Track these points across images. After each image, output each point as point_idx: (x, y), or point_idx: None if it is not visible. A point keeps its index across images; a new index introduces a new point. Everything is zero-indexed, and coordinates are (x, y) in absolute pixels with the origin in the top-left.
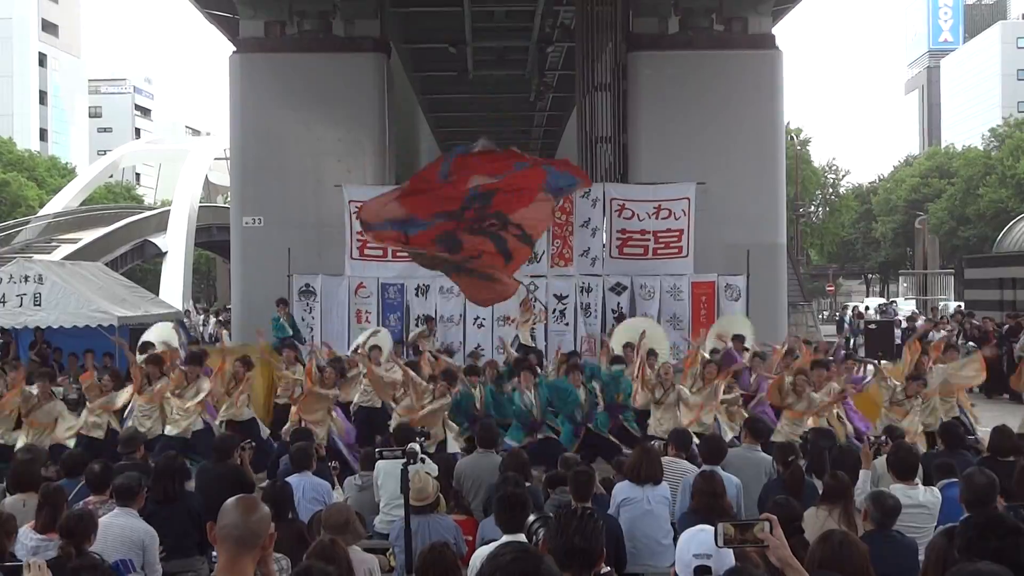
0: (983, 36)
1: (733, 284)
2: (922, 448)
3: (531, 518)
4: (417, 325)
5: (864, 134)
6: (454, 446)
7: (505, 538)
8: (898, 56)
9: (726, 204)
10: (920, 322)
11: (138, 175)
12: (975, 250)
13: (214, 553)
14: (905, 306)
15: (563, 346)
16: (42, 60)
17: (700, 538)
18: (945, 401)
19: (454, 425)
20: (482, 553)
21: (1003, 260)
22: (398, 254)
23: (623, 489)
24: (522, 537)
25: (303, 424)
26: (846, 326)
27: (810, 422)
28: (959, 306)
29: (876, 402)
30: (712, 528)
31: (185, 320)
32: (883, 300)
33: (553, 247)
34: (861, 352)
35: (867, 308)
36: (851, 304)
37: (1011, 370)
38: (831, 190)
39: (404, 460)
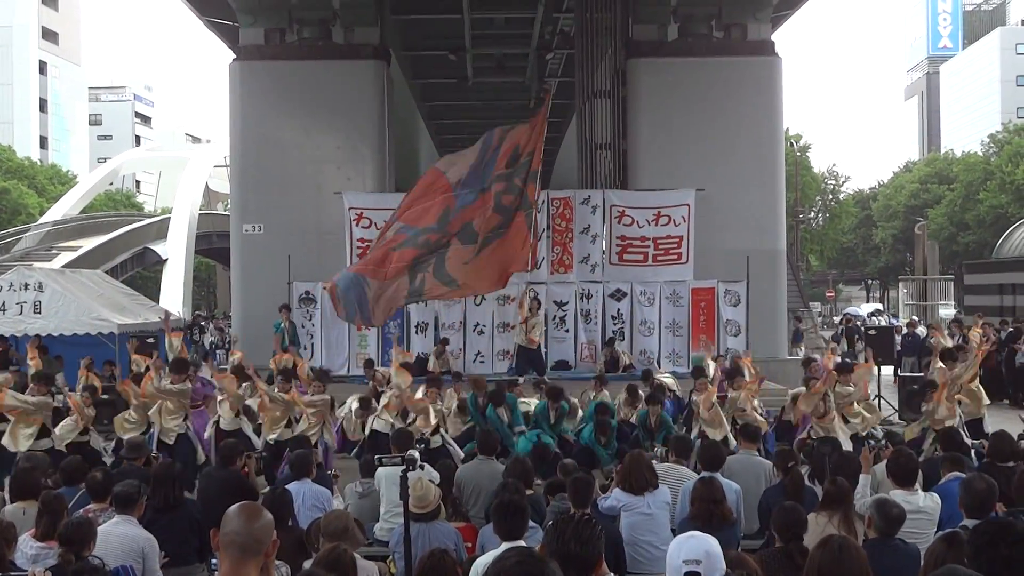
0: (982, 42)
1: (733, 290)
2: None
3: None
4: (417, 333)
5: (863, 140)
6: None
7: (505, 545)
8: (897, 62)
9: (726, 210)
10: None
11: (138, 182)
12: (975, 256)
13: (214, 560)
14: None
15: (562, 353)
16: (42, 68)
17: (690, 544)
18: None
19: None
20: (482, 562)
21: (1003, 266)
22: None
23: (622, 496)
24: (522, 544)
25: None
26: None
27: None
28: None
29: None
30: (701, 535)
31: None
32: (871, 307)
33: (553, 254)
34: (861, 359)
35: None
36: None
37: (1011, 375)
38: (831, 196)
39: (403, 467)
